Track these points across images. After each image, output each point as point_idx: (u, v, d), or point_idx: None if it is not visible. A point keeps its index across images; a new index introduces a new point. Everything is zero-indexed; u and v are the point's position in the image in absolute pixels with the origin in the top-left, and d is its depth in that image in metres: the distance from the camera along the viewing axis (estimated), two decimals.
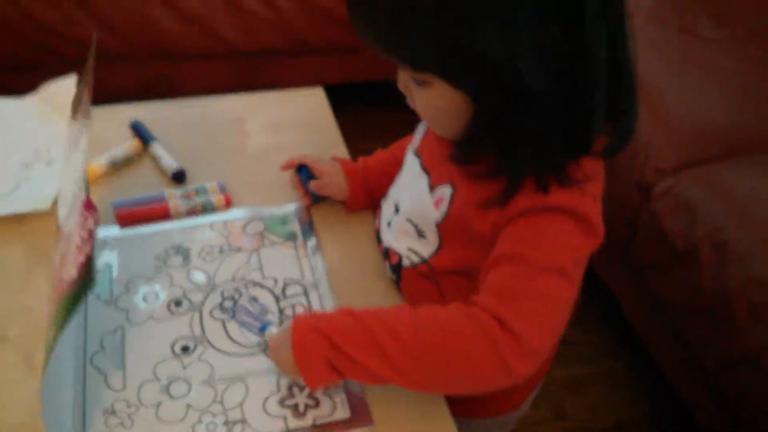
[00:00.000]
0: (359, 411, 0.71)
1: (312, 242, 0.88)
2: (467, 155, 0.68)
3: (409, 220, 0.79)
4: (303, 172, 0.93)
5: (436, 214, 0.74)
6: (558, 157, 0.65)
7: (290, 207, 0.93)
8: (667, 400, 1.45)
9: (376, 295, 0.82)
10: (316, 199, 0.92)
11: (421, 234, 0.77)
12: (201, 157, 0.99)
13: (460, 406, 0.77)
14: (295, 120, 1.09)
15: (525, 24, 0.57)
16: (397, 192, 0.83)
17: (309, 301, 0.81)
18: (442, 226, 0.75)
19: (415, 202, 0.78)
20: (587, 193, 0.66)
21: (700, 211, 1.10)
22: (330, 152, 1.02)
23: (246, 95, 1.14)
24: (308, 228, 0.90)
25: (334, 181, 0.91)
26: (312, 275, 0.84)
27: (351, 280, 0.84)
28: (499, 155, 0.65)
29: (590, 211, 0.66)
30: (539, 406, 1.55)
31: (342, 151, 1.03)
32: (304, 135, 1.06)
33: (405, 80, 0.68)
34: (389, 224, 0.83)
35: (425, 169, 0.78)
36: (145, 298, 0.80)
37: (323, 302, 0.81)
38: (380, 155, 0.94)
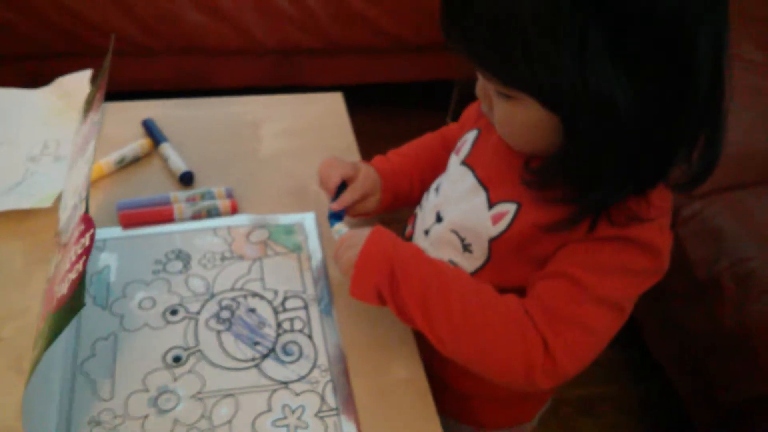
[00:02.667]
0: None
1: (317, 255, 0.85)
2: (545, 180, 0.66)
3: (455, 232, 0.76)
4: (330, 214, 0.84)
5: (493, 231, 0.72)
6: (634, 189, 0.63)
7: (297, 216, 0.90)
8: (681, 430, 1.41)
9: (380, 314, 0.79)
10: (337, 218, 0.82)
11: (466, 248, 0.75)
12: (211, 159, 0.97)
13: (472, 416, 0.76)
14: (311, 125, 1.06)
15: (630, 63, 0.56)
16: (441, 201, 0.80)
17: (309, 317, 0.78)
18: (496, 243, 0.72)
19: (466, 216, 0.75)
20: (664, 226, 0.66)
21: (727, 240, 1.05)
22: (343, 158, 0.99)
23: (264, 97, 1.12)
24: (316, 240, 0.87)
25: (373, 199, 0.86)
26: (314, 289, 0.81)
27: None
28: (580, 183, 0.63)
29: (665, 248, 0.66)
30: (549, 424, 1.51)
31: (355, 157, 1.00)
32: (319, 140, 1.03)
33: (486, 89, 0.67)
34: (427, 233, 0.80)
35: (482, 183, 0.75)
36: (141, 305, 0.78)
37: (323, 320, 0.78)
38: (398, 157, 0.91)
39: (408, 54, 1.93)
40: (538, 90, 0.59)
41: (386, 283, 0.69)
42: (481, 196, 0.74)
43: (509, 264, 0.72)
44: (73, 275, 0.58)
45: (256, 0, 1.74)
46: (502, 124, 0.68)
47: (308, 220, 0.90)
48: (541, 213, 0.68)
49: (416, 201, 0.89)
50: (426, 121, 2.27)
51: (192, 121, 1.04)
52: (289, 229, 0.88)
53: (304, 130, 1.05)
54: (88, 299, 0.79)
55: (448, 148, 0.89)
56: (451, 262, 0.76)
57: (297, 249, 0.86)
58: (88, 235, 0.59)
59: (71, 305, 0.56)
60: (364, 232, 0.72)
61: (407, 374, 0.74)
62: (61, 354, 0.73)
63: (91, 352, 0.74)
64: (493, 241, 0.72)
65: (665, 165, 0.62)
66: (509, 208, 0.71)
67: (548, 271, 0.67)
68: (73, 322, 0.76)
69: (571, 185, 0.64)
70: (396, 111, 2.17)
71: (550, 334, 0.64)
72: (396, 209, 0.90)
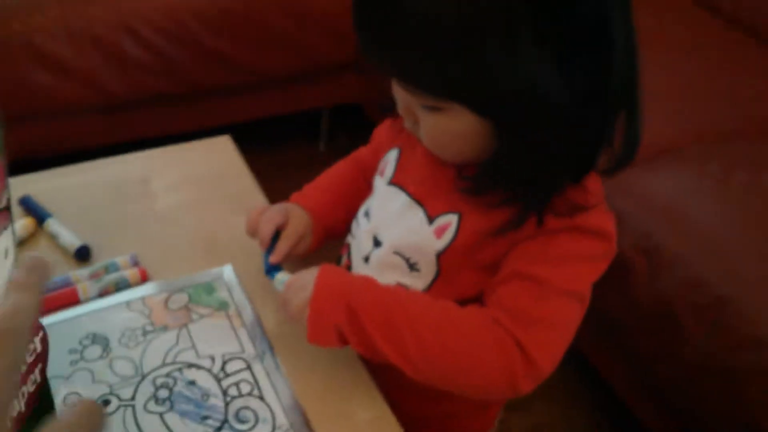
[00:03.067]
0: None
1: (247, 309, 0.80)
2: (483, 186, 0.65)
3: (398, 253, 0.73)
4: (267, 268, 0.78)
5: (439, 245, 0.70)
6: (569, 179, 0.64)
7: (214, 272, 0.84)
8: (618, 415, 1.44)
9: (331, 360, 0.75)
10: (276, 269, 0.77)
11: (413, 267, 0.72)
12: (106, 229, 0.89)
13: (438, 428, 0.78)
14: (203, 173, 1.00)
15: (555, 51, 0.56)
16: (375, 225, 0.76)
17: (255, 377, 0.73)
18: (444, 257, 0.70)
19: (407, 235, 0.72)
20: (606, 210, 0.66)
21: (626, 220, 1.08)
22: (246, 202, 0.95)
23: (146, 152, 1.04)
24: (240, 292, 0.82)
25: (306, 241, 0.82)
26: (253, 347, 0.76)
27: (298, 346, 0.76)
28: (519, 182, 0.63)
29: (612, 231, 0.66)
30: None
31: (260, 199, 0.96)
32: (216, 188, 0.98)
33: (410, 105, 0.64)
34: (367, 259, 0.76)
35: (416, 199, 0.72)
36: (65, 402, 0.70)
37: (271, 376, 0.73)
38: (318, 192, 0.87)
39: (271, 88, 1.89)
40: (470, 95, 0.58)
41: (345, 321, 0.66)
42: (418, 213, 0.72)
43: (459, 275, 0.70)
44: (30, 387, 0.51)
45: (106, 52, 1.64)
46: (431, 138, 0.66)
47: (227, 273, 0.84)
48: (484, 218, 0.67)
49: (344, 233, 0.85)
50: (299, 152, 2.24)
51: (74, 190, 0.96)
52: (209, 288, 0.82)
53: (198, 180, 0.99)
54: None
55: (365, 171, 0.87)
56: (398, 284, 0.73)
57: (223, 306, 0.80)
58: (37, 340, 0.52)
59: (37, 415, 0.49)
60: (312, 273, 0.68)
61: (372, 413, 0.71)
62: None
63: None
64: (440, 255, 0.70)
65: (596, 151, 0.63)
66: (451, 219, 0.69)
67: (504, 275, 0.66)
68: None
69: (509, 187, 0.64)
70: (264, 146, 2.11)
71: (524, 337, 0.63)
72: (324, 245, 0.86)
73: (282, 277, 0.74)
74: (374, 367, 0.75)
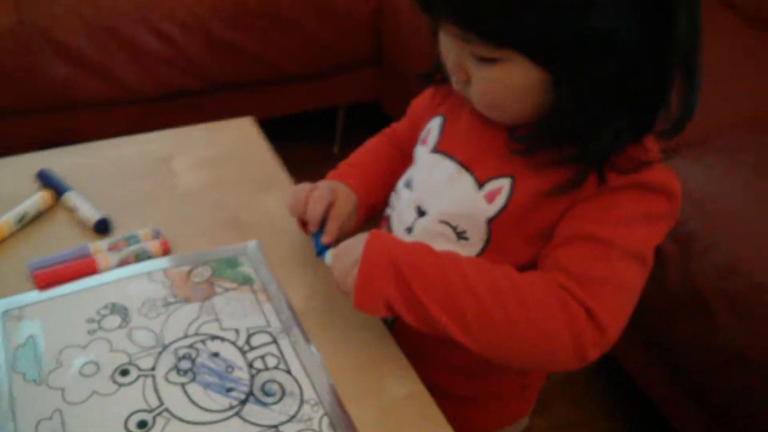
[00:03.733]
0: None
1: (272, 284, 0.77)
2: (539, 145, 0.62)
3: (446, 222, 0.69)
4: (317, 247, 0.75)
5: (490, 210, 0.66)
6: (629, 137, 0.61)
7: (238, 247, 0.81)
8: (644, 415, 1.40)
9: (362, 336, 0.72)
10: (327, 248, 0.73)
11: (461, 236, 0.69)
12: (125, 204, 0.86)
13: (472, 420, 0.75)
14: (225, 153, 0.97)
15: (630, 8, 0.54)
16: (418, 195, 0.73)
17: (281, 351, 0.70)
18: (495, 223, 0.66)
19: (455, 202, 0.69)
20: (672, 170, 0.63)
21: None
22: (270, 181, 0.92)
23: (167, 132, 1.02)
24: (265, 269, 0.78)
25: (352, 220, 0.78)
26: (279, 321, 0.73)
27: (326, 320, 0.73)
28: (577, 140, 0.60)
29: (677, 188, 0.63)
30: None
31: (284, 178, 0.93)
32: (239, 168, 0.95)
33: (462, 61, 0.62)
34: (410, 230, 0.73)
35: (464, 165, 0.69)
36: (82, 372, 0.67)
37: (298, 351, 0.70)
38: (355, 168, 0.83)
39: (288, 84, 1.87)
40: (535, 41, 0.56)
41: (395, 288, 0.62)
42: (466, 179, 0.69)
43: (510, 242, 0.67)
44: None
45: (123, 45, 1.62)
46: (484, 95, 0.63)
47: (252, 248, 0.81)
48: (539, 180, 0.64)
49: (381, 210, 0.82)
50: (313, 151, 2.21)
51: (93, 167, 0.93)
52: (233, 262, 0.79)
53: (221, 159, 0.96)
54: (16, 378, 0.66)
55: (400, 146, 0.84)
56: None
57: (248, 281, 0.77)
58: None
59: None
60: (360, 239, 0.64)
61: (406, 390, 0.67)
62: None
63: None
64: (491, 222, 0.67)
65: (657, 108, 0.60)
66: (503, 183, 0.66)
67: (564, 237, 0.63)
68: (5, 407, 0.63)
69: (566, 145, 0.61)
70: (277, 144, 2.08)
71: (591, 301, 0.59)
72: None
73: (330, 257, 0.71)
74: (407, 346, 0.71)
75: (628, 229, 0.61)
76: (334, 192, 0.76)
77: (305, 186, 0.77)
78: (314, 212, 0.74)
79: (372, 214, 0.82)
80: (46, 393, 0.65)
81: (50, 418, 0.63)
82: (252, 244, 0.82)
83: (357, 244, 0.64)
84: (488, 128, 0.67)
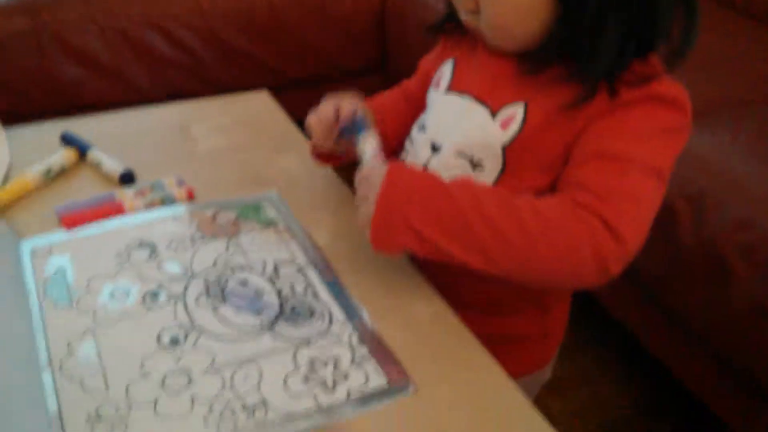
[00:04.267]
0: (395, 375, 0.60)
1: (296, 225, 0.78)
2: (547, 59, 0.64)
3: (461, 153, 0.71)
4: (355, 128, 0.74)
5: (506, 136, 0.68)
6: (632, 52, 0.63)
7: (260, 195, 0.82)
8: (667, 388, 1.38)
9: (383, 265, 0.73)
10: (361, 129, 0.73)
11: (477, 165, 0.70)
12: (147, 162, 0.88)
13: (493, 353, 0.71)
14: (243, 120, 0.99)
15: None
16: (432, 133, 0.75)
17: (308, 280, 0.70)
18: (510, 148, 0.68)
19: (470, 133, 0.70)
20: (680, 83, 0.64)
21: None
22: (289, 143, 0.94)
23: (183, 103, 1.04)
24: (288, 214, 0.80)
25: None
26: (304, 255, 0.74)
27: (351, 255, 0.74)
28: (584, 52, 0.62)
29: (687, 101, 0.64)
30: None
31: (302, 141, 0.94)
32: (257, 132, 0.97)
33: None
34: (425, 167, 0.74)
35: (479, 99, 0.71)
36: (113, 296, 0.67)
37: (324, 278, 0.70)
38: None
39: (294, 90, 1.90)
40: None
41: (415, 243, 0.63)
42: (481, 111, 0.71)
43: (526, 168, 0.68)
44: None
45: (135, 49, 1.66)
46: (495, 16, 0.65)
47: (274, 196, 0.82)
48: (552, 102, 0.65)
49: (392, 148, 0.84)
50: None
51: (115, 133, 0.95)
52: (256, 207, 0.80)
53: (238, 126, 0.98)
54: (47, 303, 0.66)
55: (412, 100, 0.86)
56: None
57: (272, 223, 0.78)
58: None
59: None
60: (380, 173, 0.65)
61: (432, 310, 0.68)
62: (25, 364, 0.60)
63: (67, 352, 0.62)
64: (507, 147, 0.69)
65: (660, 24, 0.62)
66: (516, 109, 0.68)
67: (581, 158, 0.64)
68: (30, 329, 0.64)
69: (574, 59, 0.63)
70: None
71: (610, 213, 0.60)
72: None
73: (367, 142, 0.70)
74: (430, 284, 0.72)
75: (645, 144, 0.63)
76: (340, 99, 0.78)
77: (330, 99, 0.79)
78: (344, 110, 0.76)
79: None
80: (76, 316, 0.65)
81: (82, 337, 0.63)
82: (272, 193, 0.83)
83: (376, 177, 0.64)
84: (499, 61, 0.70)
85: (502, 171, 0.69)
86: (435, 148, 0.74)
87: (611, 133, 0.63)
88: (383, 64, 1.89)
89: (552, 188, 0.68)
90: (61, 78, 1.61)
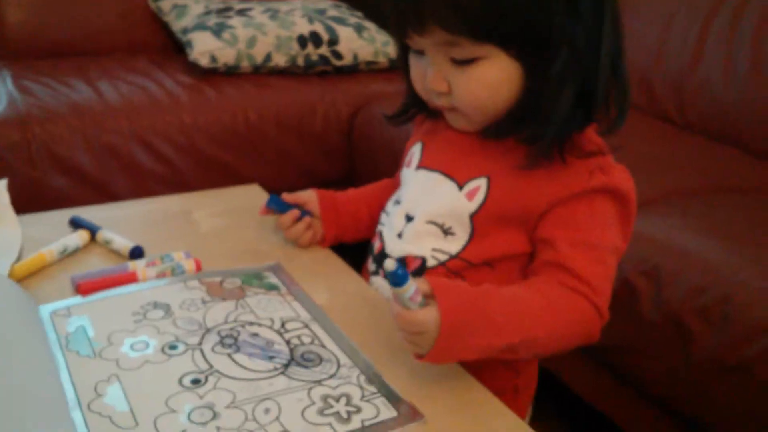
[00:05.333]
0: (404, 408, 0.66)
1: (297, 289, 0.84)
2: (508, 128, 0.75)
3: (432, 222, 0.79)
4: (273, 202, 0.93)
5: (472, 206, 0.77)
6: (579, 121, 0.73)
7: (263, 266, 0.89)
8: None
9: (381, 319, 0.79)
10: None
11: (447, 232, 0.79)
12: (154, 241, 0.94)
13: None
14: (241, 207, 1.07)
15: (582, 5, 0.69)
16: (406, 206, 0.83)
17: (313, 332, 0.76)
18: (477, 217, 0.77)
19: (440, 204, 0.79)
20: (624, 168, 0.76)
21: (626, 253, 1.17)
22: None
23: (183, 195, 1.12)
24: (288, 280, 0.86)
25: (310, 198, 0.94)
26: (308, 313, 0.80)
27: (349, 312, 0.80)
28: (539, 118, 0.72)
29: (633, 189, 0.76)
30: None
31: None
32: (255, 217, 1.02)
33: (443, 69, 0.73)
34: (400, 235, 0.82)
35: (446, 174, 0.80)
36: (133, 348, 0.72)
37: (329, 332, 0.76)
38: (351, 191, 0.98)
39: None
40: (510, 36, 0.69)
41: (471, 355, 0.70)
42: (448, 184, 0.79)
43: (493, 234, 0.77)
44: None
45: (119, 160, 1.74)
46: (468, 95, 0.74)
47: (275, 266, 0.89)
48: (511, 176, 0.75)
49: (366, 232, 0.94)
50: None
51: (121, 218, 1.01)
52: (259, 275, 0.87)
53: (236, 211, 1.05)
54: (70, 355, 0.70)
55: (396, 184, 0.94)
56: (436, 249, 0.79)
57: (274, 288, 0.84)
58: None
59: None
60: (435, 321, 0.65)
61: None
62: (54, 409, 0.64)
63: (95, 394, 0.65)
64: (474, 216, 0.77)
65: (599, 99, 0.73)
66: (480, 183, 0.77)
67: (567, 246, 0.74)
68: (56, 374, 0.68)
69: (529, 127, 0.73)
70: None
71: (597, 298, 0.73)
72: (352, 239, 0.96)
73: (409, 290, 0.64)
74: None
75: (610, 231, 0.75)
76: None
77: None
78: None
79: (354, 234, 0.96)
80: (100, 363, 0.70)
81: (107, 380, 0.67)
82: (274, 262, 0.90)
83: (433, 328, 0.65)
84: (462, 139, 0.79)
85: (471, 237, 0.78)
86: (409, 218, 0.83)
87: (585, 225, 0.74)
88: (352, 177, 2.01)
89: (512, 250, 0.77)
90: (49, 187, 1.68)
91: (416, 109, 0.85)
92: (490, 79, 0.72)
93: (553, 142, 0.73)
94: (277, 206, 0.93)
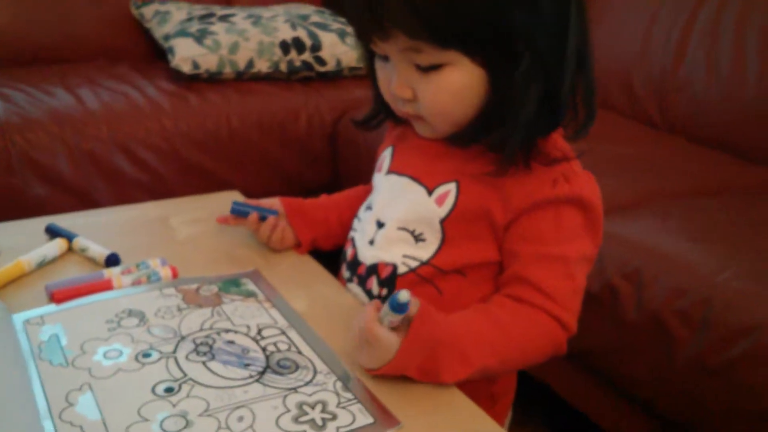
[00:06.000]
0: (381, 414, 0.65)
1: (275, 295, 0.83)
2: (473, 135, 0.74)
3: (404, 228, 0.79)
4: (236, 208, 0.93)
5: (442, 211, 0.77)
6: (544, 126, 0.73)
7: (240, 272, 0.88)
8: None
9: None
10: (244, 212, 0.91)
11: (418, 238, 0.78)
12: (131, 249, 0.93)
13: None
14: (218, 213, 1.06)
15: (544, 8, 0.68)
16: (377, 211, 0.83)
17: (290, 339, 0.75)
18: (447, 222, 0.77)
19: (410, 209, 0.79)
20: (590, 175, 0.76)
21: (606, 256, 1.17)
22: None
23: (159, 201, 1.11)
24: (268, 288, 0.85)
25: (273, 203, 0.94)
26: (285, 320, 0.79)
27: (328, 318, 0.80)
28: (504, 125, 0.71)
29: (599, 196, 0.76)
30: None
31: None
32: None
33: (408, 76, 0.72)
34: (372, 242, 0.82)
35: (415, 179, 0.80)
36: (106, 356, 0.71)
37: (306, 339, 0.76)
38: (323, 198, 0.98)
39: None
40: (472, 41, 0.68)
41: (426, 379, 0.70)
42: (418, 189, 0.79)
43: (464, 241, 0.77)
44: None
45: (99, 168, 1.73)
46: (433, 101, 0.73)
47: (252, 273, 0.88)
48: (479, 182, 0.75)
49: (337, 239, 0.94)
50: None
51: (97, 226, 1.00)
52: (237, 282, 0.86)
53: (213, 218, 1.04)
54: (42, 364, 0.70)
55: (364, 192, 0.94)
56: (407, 256, 0.79)
57: (252, 294, 0.83)
58: None
59: None
60: (389, 349, 0.68)
61: None
62: (26, 415, 0.63)
63: (66, 403, 0.65)
64: (444, 222, 0.77)
65: (564, 101, 0.72)
66: (449, 188, 0.77)
67: (530, 259, 0.74)
68: (28, 383, 0.67)
69: (494, 133, 0.72)
70: None
71: (562, 313, 0.74)
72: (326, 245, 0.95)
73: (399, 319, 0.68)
74: None
75: (578, 242, 0.75)
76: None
77: None
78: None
79: (326, 240, 0.95)
80: (72, 372, 0.69)
81: (79, 389, 0.66)
82: (252, 269, 0.89)
83: (388, 349, 0.68)
84: (431, 145, 0.79)
85: (442, 243, 0.78)
86: (380, 225, 0.82)
87: (551, 237, 0.74)
88: (336, 183, 2.01)
89: (483, 258, 0.77)
90: (29, 195, 1.66)
91: (384, 114, 0.84)
92: (455, 86, 0.71)
93: (518, 147, 0.72)
94: (239, 210, 0.92)
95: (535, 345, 0.74)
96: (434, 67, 0.71)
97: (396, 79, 0.74)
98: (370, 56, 0.79)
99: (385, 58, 0.74)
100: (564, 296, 0.74)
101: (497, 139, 0.72)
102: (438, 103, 0.73)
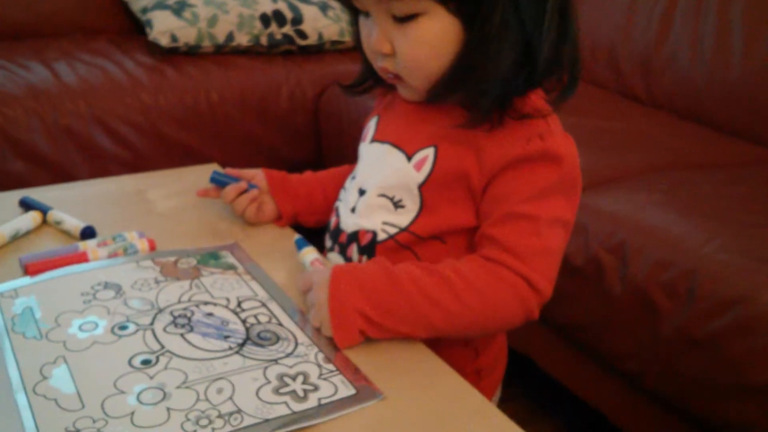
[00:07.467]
0: (363, 386, 0.64)
1: (255, 268, 0.82)
2: (449, 89, 0.72)
3: (383, 195, 0.78)
4: (215, 176, 0.92)
5: (420, 177, 0.76)
6: (520, 86, 0.71)
7: (219, 245, 0.86)
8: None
9: None
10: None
11: (397, 204, 0.77)
12: (107, 221, 0.91)
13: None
14: (197, 186, 1.03)
15: None
16: (361, 179, 0.82)
17: (271, 311, 0.74)
18: (425, 188, 0.76)
19: (390, 175, 0.78)
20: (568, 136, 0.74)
21: (591, 229, 1.17)
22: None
23: (137, 174, 1.08)
24: (248, 261, 0.84)
25: (256, 174, 0.92)
26: (265, 292, 0.77)
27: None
28: (479, 83, 0.70)
29: (574, 154, 0.74)
30: None
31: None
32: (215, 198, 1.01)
33: (386, 27, 0.71)
34: (353, 210, 0.81)
35: (396, 145, 0.79)
36: (81, 329, 0.69)
37: (287, 310, 0.74)
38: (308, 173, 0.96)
39: None
40: None
41: (369, 329, 0.69)
42: (398, 155, 0.78)
43: (442, 207, 0.76)
44: None
45: (77, 143, 1.70)
46: (410, 55, 0.72)
47: (232, 245, 0.86)
48: (457, 145, 0.74)
49: (322, 213, 0.92)
50: None
51: (73, 199, 0.97)
52: (216, 255, 0.84)
53: (192, 191, 1.02)
54: (15, 337, 0.68)
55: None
56: (386, 223, 0.78)
57: (231, 267, 0.82)
58: None
59: None
60: (323, 279, 0.70)
61: None
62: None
63: (40, 376, 0.63)
64: (422, 187, 0.76)
65: (543, 59, 0.70)
66: (428, 153, 0.76)
67: (497, 218, 0.72)
68: (8, 355, 0.65)
69: (470, 87, 0.71)
70: None
71: (529, 271, 0.71)
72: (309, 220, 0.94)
73: (308, 255, 0.79)
74: None
75: (549, 201, 0.72)
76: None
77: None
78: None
79: (310, 215, 0.94)
80: (47, 345, 0.67)
81: (54, 363, 0.64)
82: (231, 242, 0.87)
83: (322, 280, 0.70)
84: (412, 110, 0.78)
85: (421, 209, 0.77)
86: (361, 192, 0.81)
87: (521, 196, 0.72)
88: (320, 160, 1.98)
89: (461, 224, 0.76)
90: (6, 171, 1.63)
91: (372, 80, 0.83)
92: (430, 37, 0.70)
93: (493, 102, 0.71)
94: (219, 180, 0.90)
95: (498, 302, 0.71)
96: (410, 17, 0.70)
97: (375, 33, 0.73)
98: (355, 20, 0.78)
99: (367, 15, 0.74)
100: (530, 254, 0.71)
101: (473, 92, 0.71)
102: (414, 55, 0.72)
